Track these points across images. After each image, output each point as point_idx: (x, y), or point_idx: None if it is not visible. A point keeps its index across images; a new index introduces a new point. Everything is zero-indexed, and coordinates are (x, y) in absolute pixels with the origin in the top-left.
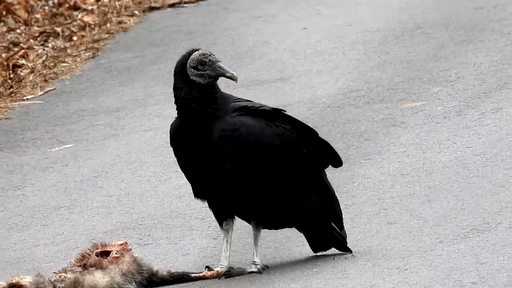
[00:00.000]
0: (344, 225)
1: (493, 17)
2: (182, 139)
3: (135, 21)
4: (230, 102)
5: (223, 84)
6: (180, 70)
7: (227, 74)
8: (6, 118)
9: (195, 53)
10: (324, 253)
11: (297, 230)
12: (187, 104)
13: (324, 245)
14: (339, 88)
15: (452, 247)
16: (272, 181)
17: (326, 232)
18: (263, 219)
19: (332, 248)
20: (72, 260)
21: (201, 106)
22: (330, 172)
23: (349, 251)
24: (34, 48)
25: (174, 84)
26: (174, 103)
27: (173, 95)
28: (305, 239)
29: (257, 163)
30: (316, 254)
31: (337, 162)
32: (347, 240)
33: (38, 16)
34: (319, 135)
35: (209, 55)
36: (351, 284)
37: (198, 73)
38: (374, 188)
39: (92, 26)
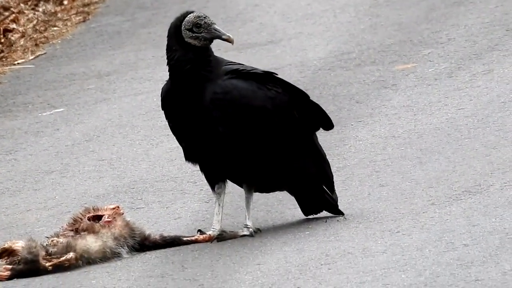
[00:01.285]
0: (335, 188)
1: None
2: (173, 102)
3: None
4: (222, 65)
5: (214, 47)
6: (174, 32)
7: (223, 37)
8: None
9: (190, 15)
10: (315, 216)
11: (289, 193)
12: (182, 66)
13: (315, 208)
14: (330, 50)
15: (444, 209)
16: (264, 144)
17: (317, 195)
18: (255, 182)
19: (323, 211)
20: (64, 225)
21: (195, 68)
22: (322, 135)
23: (341, 213)
24: (24, 13)
25: (167, 46)
26: (167, 64)
27: (165, 57)
28: (296, 202)
29: (248, 126)
30: (307, 217)
31: (328, 125)
32: (338, 203)
33: None
34: (311, 98)
35: (204, 17)
36: (343, 247)
37: (193, 35)
38: (365, 150)
39: None
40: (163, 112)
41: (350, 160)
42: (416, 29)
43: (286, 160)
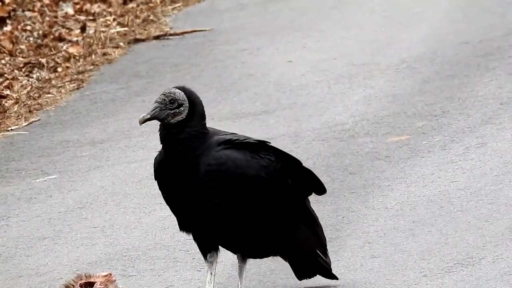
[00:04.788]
0: (328, 253)
1: (479, 52)
2: (166, 173)
3: (120, 53)
4: (215, 135)
5: (208, 116)
6: None
7: None
8: None
9: None
10: (310, 284)
11: (282, 262)
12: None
13: (308, 272)
14: (324, 121)
15: (436, 281)
16: (259, 212)
17: (311, 259)
18: (249, 250)
19: (317, 276)
20: None
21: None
22: (315, 206)
23: (335, 277)
24: (18, 79)
25: None
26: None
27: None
28: (290, 267)
29: (244, 196)
30: (299, 284)
31: (320, 189)
32: (331, 267)
33: (23, 47)
34: (303, 165)
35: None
36: None
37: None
38: (358, 221)
39: (77, 58)
40: (156, 181)
41: (342, 231)
42: (410, 101)
43: (280, 227)
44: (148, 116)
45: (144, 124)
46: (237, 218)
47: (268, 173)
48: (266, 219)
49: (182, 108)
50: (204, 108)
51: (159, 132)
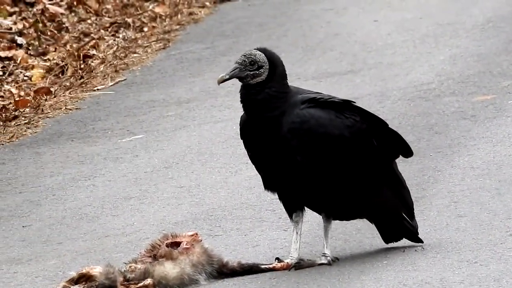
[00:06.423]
0: (415, 216)
1: None
2: (251, 132)
3: (206, 13)
4: (299, 94)
5: (293, 76)
6: None
7: None
8: (76, 109)
9: None
10: (394, 244)
11: (367, 222)
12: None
13: (395, 236)
14: (410, 81)
15: None
16: (343, 172)
17: (397, 222)
18: (334, 211)
19: (404, 239)
20: (142, 251)
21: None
22: (401, 165)
23: (420, 241)
24: (105, 39)
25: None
26: None
27: None
28: (376, 230)
29: (327, 155)
30: (387, 245)
31: (407, 152)
32: (418, 231)
33: (109, 6)
34: (389, 126)
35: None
36: (421, 277)
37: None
38: (444, 181)
39: (163, 17)
40: (241, 140)
41: (428, 191)
42: (495, 60)
43: (365, 188)
44: (227, 76)
45: (223, 83)
46: (319, 177)
47: (352, 133)
48: (350, 180)
49: (262, 70)
50: (287, 68)
51: (239, 93)
